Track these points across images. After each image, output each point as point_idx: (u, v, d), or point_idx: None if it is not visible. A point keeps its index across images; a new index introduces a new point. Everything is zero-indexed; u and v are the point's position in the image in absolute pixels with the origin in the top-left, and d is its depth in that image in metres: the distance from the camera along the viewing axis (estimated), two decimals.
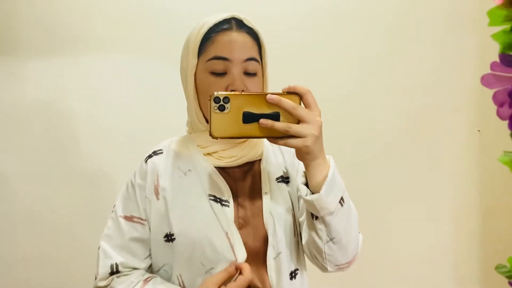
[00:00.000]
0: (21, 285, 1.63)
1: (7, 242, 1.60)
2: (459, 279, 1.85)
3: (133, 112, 1.63)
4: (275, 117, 0.66)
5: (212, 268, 0.77)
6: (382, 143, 1.77)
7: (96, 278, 0.83)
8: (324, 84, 1.68)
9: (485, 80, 0.61)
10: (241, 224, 0.81)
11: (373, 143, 1.76)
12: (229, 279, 0.75)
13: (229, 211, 0.80)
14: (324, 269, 0.78)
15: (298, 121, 0.66)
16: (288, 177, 0.87)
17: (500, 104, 0.59)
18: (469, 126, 1.79)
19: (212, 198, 0.80)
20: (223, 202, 0.80)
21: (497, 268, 0.68)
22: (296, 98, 0.67)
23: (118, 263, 0.82)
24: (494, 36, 0.57)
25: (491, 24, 0.57)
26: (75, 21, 1.58)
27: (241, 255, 0.77)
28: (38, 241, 1.62)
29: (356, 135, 1.75)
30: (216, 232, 0.78)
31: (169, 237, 0.80)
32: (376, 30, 1.73)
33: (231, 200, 0.81)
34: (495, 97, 0.61)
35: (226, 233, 0.78)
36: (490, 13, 0.57)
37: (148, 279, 0.82)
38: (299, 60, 1.68)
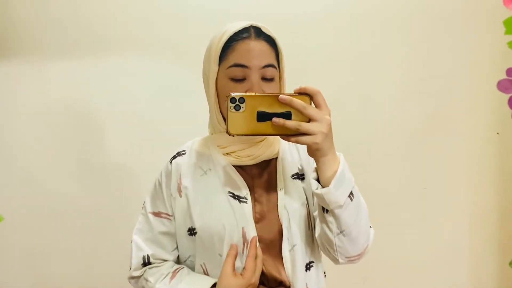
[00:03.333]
0: (46, 278, 1.73)
1: (35, 237, 1.71)
2: (476, 281, 1.83)
3: (157, 112, 1.70)
4: (287, 116, 0.71)
5: None
6: (399, 144, 1.78)
7: (130, 268, 0.92)
8: (341, 85, 1.72)
9: (501, 86, 0.65)
10: (258, 219, 0.86)
11: (390, 144, 1.78)
12: (235, 259, 0.81)
13: (247, 207, 0.85)
14: (335, 261, 0.81)
15: (309, 119, 0.71)
16: (303, 174, 0.92)
17: None
18: (488, 128, 1.78)
19: (231, 195, 0.86)
20: (241, 199, 0.86)
21: (511, 263, 0.70)
22: (307, 98, 0.72)
23: (149, 254, 0.91)
24: (510, 44, 0.60)
25: (507, 32, 0.60)
26: (98, 24, 1.67)
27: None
28: (64, 235, 1.72)
29: (372, 136, 1.77)
30: (232, 227, 0.84)
31: (192, 231, 0.88)
32: (393, 30, 1.75)
33: (249, 197, 0.86)
34: (510, 102, 0.64)
35: (242, 228, 0.83)
36: (506, 22, 0.60)
37: (177, 271, 0.89)
38: (313, 61, 1.72)
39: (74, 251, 1.73)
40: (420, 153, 1.79)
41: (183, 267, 0.92)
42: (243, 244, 0.83)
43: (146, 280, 0.89)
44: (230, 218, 0.84)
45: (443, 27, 1.76)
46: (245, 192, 0.87)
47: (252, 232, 0.84)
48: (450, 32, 1.76)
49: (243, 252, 0.83)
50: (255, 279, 0.80)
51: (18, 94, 1.67)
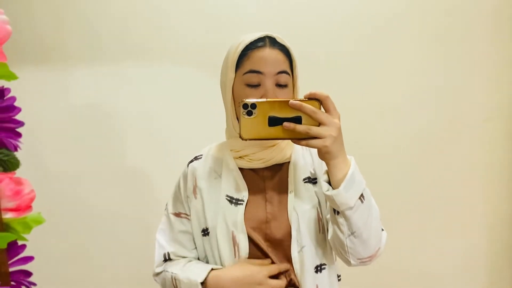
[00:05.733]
0: (62, 281, 1.78)
1: (53, 239, 1.75)
2: None
3: (176, 118, 1.76)
4: (298, 120, 0.73)
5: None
6: (415, 153, 1.78)
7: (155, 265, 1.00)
8: (356, 92, 1.73)
9: None
10: (269, 219, 0.90)
11: (405, 152, 1.78)
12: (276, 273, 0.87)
13: (241, 208, 0.89)
14: (347, 262, 0.83)
15: (319, 124, 0.73)
16: (315, 178, 0.94)
17: None
18: (505, 136, 1.76)
19: (228, 198, 0.91)
20: (238, 202, 0.90)
21: None
22: (316, 103, 0.74)
23: (169, 252, 0.97)
24: None
25: None
26: (119, 32, 1.73)
27: (243, 254, 0.87)
28: (82, 238, 1.78)
29: (387, 144, 1.77)
30: (225, 230, 0.89)
31: (205, 231, 0.93)
32: (410, 36, 1.75)
33: (245, 199, 0.90)
34: None
35: (232, 232, 0.88)
36: None
37: (193, 260, 0.96)
38: (327, 67, 1.74)
39: (92, 254, 1.79)
40: (436, 161, 1.78)
41: (202, 261, 0.97)
42: (234, 247, 0.88)
43: (166, 270, 0.95)
44: (224, 221, 0.89)
45: (461, 34, 1.74)
46: (244, 194, 0.91)
47: (242, 235, 0.87)
48: (468, 39, 1.74)
49: (234, 256, 0.88)
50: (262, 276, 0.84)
51: (43, 100, 1.74)
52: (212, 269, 0.88)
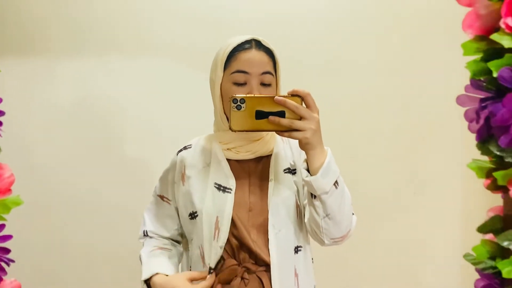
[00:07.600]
0: (58, 272, 1.81)
1: (48, 235, 1.78)
2: (469, 286, 1.91)
3: (165, 110, 1.81)
4: (282, 114, 0.83)
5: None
6: (391, 153, 1.86)
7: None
8: (336, 92, 1.81)
9: (460, 100, 0.73)
10: (251, 208, 0.99)
11: (381, 153, 1.86)
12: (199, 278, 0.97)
13: (230, 197, 0.98)
14: (321, 242, 0.93)
15: (300, 118, 0.83)
16: (295, 169, 1.04)
17: (470, 120, 0.71)
18: None
19: (217, 186, 0.99)
20: (226, 190, 0.99)
21: (465, 256, 0.79)
22: (299, 99, 0.84)
23: (148, 230, 1.11)
24: (468, 64, 0.70)
25: (465, 54, 0.69)
26: (109, 25, 1.77)
27: (222, 238, 0.95)
28: (77, 230, 1.81)
29: (363, 142, 1.86)
30: (210, 214, 0.97)
31: (193, 215, 1.01)
32: (385, 40, 1.85)
33: (233, 188, 0.99)
34: (466, 114, 0.73)
35: (217, 217, 0.96)
36: (464, 46, 0.69)
37: (163, 248, 1.08)
38: (311, 66, 1.83)
39: (86, 246, 1.82)
40: (411, 159, 1.87)
41: (171, 250, 1.09)
42: (215, 231, 0.96)
43: (143, 245, 1.11)
44: (210, 205, 0.98)
45: (442, 36, 1.81)
46: (231, 183, 0.99)
47: (225, 221, 0.96)
48: (444, 38, 1.79)
49: (214, 238, 0.96)
50: None
51: (31, 92, 1.76)
52: (157, 273, 0.98)
